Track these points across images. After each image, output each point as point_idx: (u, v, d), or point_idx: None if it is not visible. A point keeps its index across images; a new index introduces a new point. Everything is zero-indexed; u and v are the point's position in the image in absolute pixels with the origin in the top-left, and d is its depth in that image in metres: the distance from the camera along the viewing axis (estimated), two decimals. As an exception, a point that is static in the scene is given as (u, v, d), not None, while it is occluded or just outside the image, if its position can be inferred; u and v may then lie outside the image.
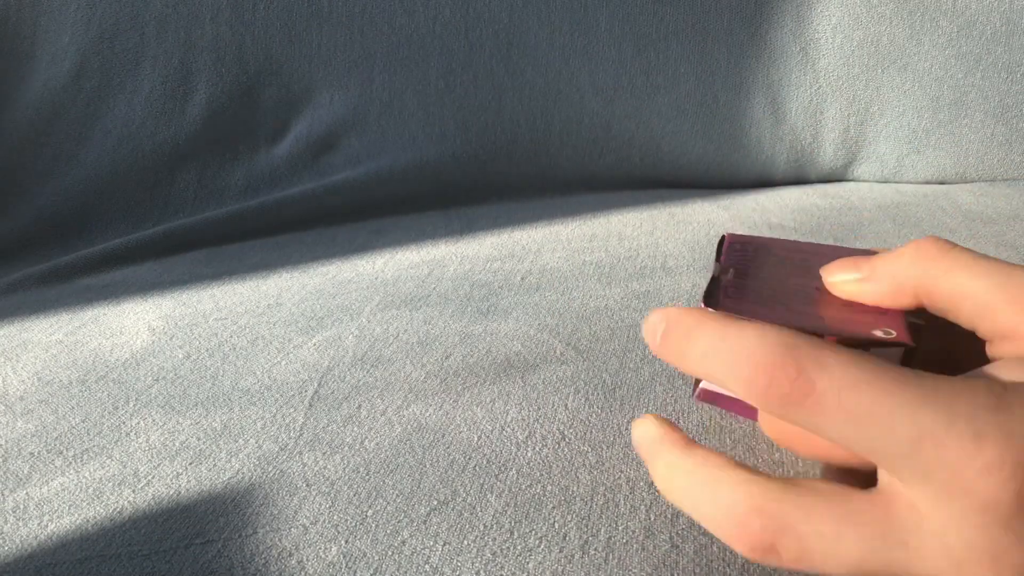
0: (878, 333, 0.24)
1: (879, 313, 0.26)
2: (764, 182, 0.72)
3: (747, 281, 0.29)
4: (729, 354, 0.20)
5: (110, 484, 0.31)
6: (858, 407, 0.18)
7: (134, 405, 0.37)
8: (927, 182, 0.71)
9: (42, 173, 0.68)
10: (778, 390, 0.19)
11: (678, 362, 0.22)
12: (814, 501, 0.19)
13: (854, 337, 0.24)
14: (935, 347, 0.25)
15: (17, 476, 0.32)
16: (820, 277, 0.28)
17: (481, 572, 0.25)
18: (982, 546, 0.17)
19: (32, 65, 0.69)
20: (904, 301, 0.25)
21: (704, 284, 0.47)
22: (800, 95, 0.70)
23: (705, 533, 0.26)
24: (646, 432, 0.24)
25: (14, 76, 0.69)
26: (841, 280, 0.26)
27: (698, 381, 0.28)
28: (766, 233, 0.56)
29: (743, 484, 0.20)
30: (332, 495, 0.29)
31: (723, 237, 0.32)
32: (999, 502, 0.17)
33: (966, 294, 0.22)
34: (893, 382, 0.18)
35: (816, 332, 0.26)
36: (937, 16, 0.67)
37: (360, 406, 0.35)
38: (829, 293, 0.27)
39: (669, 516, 0.27)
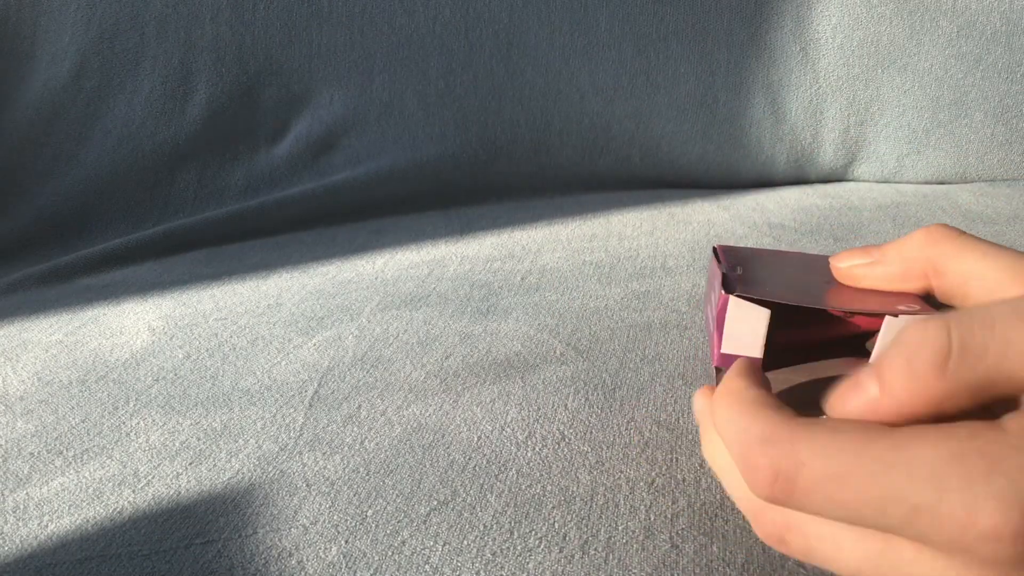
0: (902, 308, 0.24)
1: (893, 296, 0.26)
2: (764, 182, 0.72)
3: (758, 275, 0.29)
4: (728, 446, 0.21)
5: (110, 484, 0.31)
6: (844, 497, 0.18)
7: (134, 405, 0.37)
8: (927, 182, 0.71)
9: (42, 173, 0.68)
10: (763, 491, 0.19)
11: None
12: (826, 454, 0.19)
13: (879, 314, 0.24)
14: None
15: (17, 476, 0.32)
16: (823, 274, 0.28)
17: (481, 572, 0.25)
18: None
19: (32, 65, 0.69)
20: (914, 283, 0.25)
21: (704, 286, 0.47)
22: (800, 95, 0.70)
23: (705, 533, 0.26)
24: (700, 403, 0.25)
25: (14, 76, 0.69)
26: (851, 265, 0.26)
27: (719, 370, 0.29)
28: (766, 233, 0.56)
29: (761, 412, 0.20)
30: (332, 495, 0.29)
31: (714, 248, 0.33)
32: (1001, 560, 0.16)
33: (976, 275, 0.22)
34: (876, 462, 0.17)
35: (843, 311, 0.26)
36: (937, 16, 0.67)
37: (360, 406, 0.35)
38: (838, 284, 0.27)
39: (669, 516, 0.27)
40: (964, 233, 0.24)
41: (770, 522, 0.20)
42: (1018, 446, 0.16)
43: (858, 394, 0.19)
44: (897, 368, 0.19)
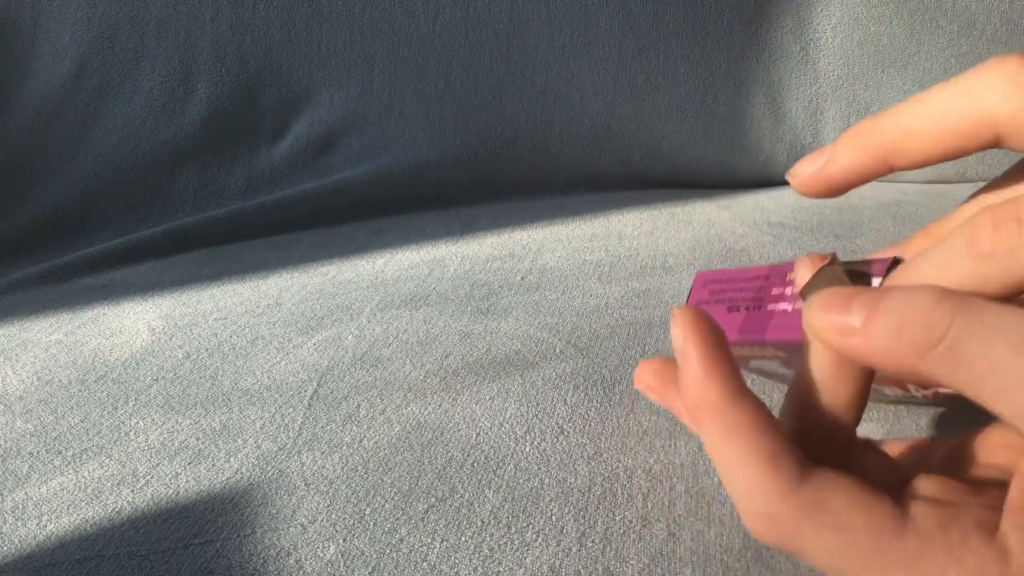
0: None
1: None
2: (764, 182, 0.72)
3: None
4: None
5: (109, 484, 0.31)
6: None
7: (133, 405, 0.37)
8: (927, 182, 0.71)
9: (42, 173, 0.68)
10: (763, 544, 0.18)
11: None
12: (835, 521, 0.18)
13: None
14: None
15: (16, 476, 0.32)
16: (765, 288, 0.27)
17: (479, 568, 0.25)
18: None
19: (32, 65, 0.69)
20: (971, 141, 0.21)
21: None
22: (800, 95, 0.70)
23: (702, 519, 0.26)
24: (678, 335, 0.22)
25: (14, 76, 0.69)
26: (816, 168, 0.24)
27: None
28: (766, 231, 0.56)
29: (764, 473, 0.19)
30: (330, 494, 0.29)
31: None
32: None
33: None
34: None
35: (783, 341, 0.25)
36: (937, 16, 0.67)
37: (359, 405, 0.35)
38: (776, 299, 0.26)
39: (666, 504, 0.27)
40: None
41: (765, 535, 0.20)
42: None
43: (839, 316, 0.18)
44: (887, 324, 0.18)
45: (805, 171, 0.23)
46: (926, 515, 0.18)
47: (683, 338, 0.21)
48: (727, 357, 0.21)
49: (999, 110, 0.19)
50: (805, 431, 0.21)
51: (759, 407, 0.20)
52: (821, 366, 0.20)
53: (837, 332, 0.19)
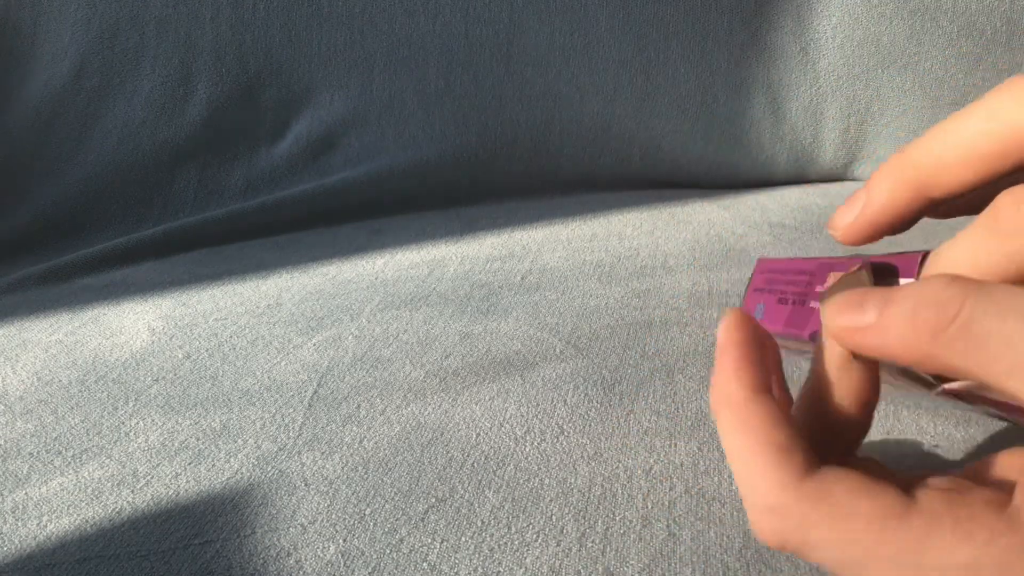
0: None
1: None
2: (764, 182, 0.72)
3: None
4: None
5: (109, 484, 0.31)
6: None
7: (133, 405, 0.37)
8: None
9: (42, 173, 0.68)
10: (766, 544, 0.19)
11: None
12: (847, 510, 0.18)
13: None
14: None
15: (16, 476, 0.32)
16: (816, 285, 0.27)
17: (479, 568, 0.25)
18: None
19: (32, 65, 0.69)
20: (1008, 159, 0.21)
21: (705, 283, 0.47)
22: (800, 95, 0.70)
23: (702, 519, 0.26)
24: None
25: (14, 76, 0.69)
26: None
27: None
28: (766, 232, 0.56)
29: (770, 464, 0.19)
30: (330, 494, 0.29)
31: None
32: None
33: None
34: (890, 562, 0.17)
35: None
36: (937, 16, 0.67)
37: (359, 406, 0.35)
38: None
39: (666, 504, 0.27)
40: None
41: (769, 532, 0.20)
42: None
43: (854, 315, 0.19)
44: (900, 313, 0.18)
45: (844, 220, 0.23)
46: (932, 498, 0.17)
47: (723, 338, 0.22)
48: (758, 358, 0.21)
49: None
50: (815, 428, 0.21)
51: (775, 404, 0.20)
52: (832, 365, 0.21)
53: (852, 330, 0.19)
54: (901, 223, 0.22)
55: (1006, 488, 0.18)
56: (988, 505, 0.17)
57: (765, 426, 0.20)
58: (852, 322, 0.19)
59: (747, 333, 0.22)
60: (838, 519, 0.18)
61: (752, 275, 0.30)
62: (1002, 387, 0.16)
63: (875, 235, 0.23)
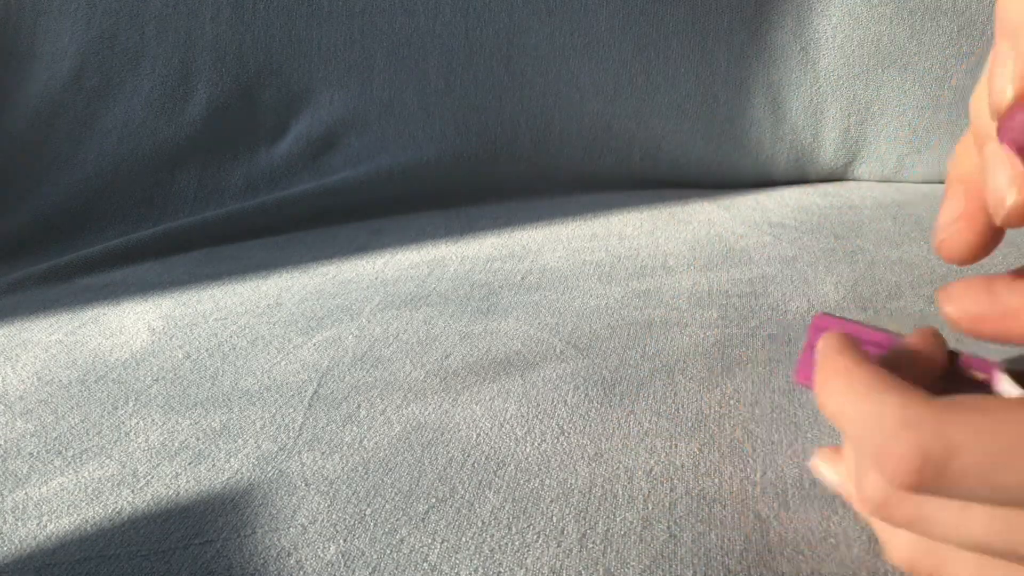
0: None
1: None
2: (764, 182, 0.72)
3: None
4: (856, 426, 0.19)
5: (109, 484, 0.31)
6: (1004, 480, 0.16)
7: (134, 405, 0.37)
8: (927, 182, 0.71)
9: (42, 173, 0.68)
10: (906, 478, 0.17)
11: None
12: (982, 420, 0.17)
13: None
14: None
15: (16, 476, 0.32)
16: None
17: (479, 568, 0.25)
18: None
19: (32, 65, 0.69)
20: None
21: (705, 283, 0.47)
22: (800, 95, 0.70)
23: (703, 521, 0.26)
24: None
25: (14, 76, 0.69)
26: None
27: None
28: (767, 231, 0.56)
29: (898, 393, 0.18)
30: (331, 494, 0.29)
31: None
32: None
33: None
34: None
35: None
36: (937, 16, 0.67)
37: (359, 406, 0.35)
38: None
39: (667, 505, 0.27)
40: None
41: (908, 447, 0.18)
42: None
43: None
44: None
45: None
46: None
47: (824, 346, 0.22)
48: (861, 350, 0.21)
49: None
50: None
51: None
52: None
53: None
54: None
55: None
56: None
57: (881, 372, 0.19)
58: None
59: (847, 341, 0.21)
60: (976, 411, 0.17)
61: (809, 330, 0.29)
62: None
63: (986, 250, 0.22)
